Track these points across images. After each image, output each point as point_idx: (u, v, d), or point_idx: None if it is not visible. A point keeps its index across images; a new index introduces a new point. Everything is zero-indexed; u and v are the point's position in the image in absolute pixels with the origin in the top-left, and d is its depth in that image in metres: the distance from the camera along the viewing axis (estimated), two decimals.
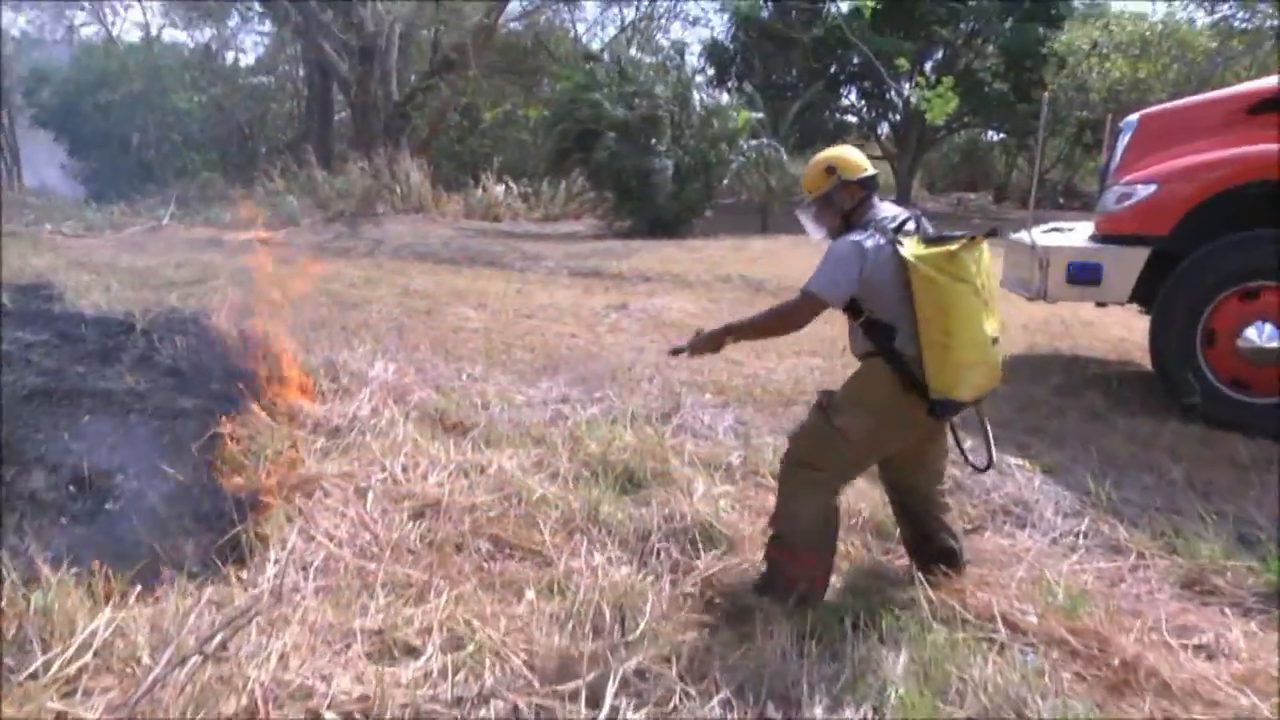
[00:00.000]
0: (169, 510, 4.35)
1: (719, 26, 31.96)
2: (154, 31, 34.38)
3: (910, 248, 3.12)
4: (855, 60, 23.90)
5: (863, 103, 27.07)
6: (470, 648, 3.08)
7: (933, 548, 3.58)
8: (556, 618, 3.34)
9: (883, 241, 3.17)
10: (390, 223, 18.97)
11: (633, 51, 22.50)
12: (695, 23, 36.13)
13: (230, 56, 33.18)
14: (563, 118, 19.58)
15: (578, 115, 18.83)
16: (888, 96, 25.25)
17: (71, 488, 4.71)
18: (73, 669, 2.94)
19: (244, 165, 24.58)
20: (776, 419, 5.72)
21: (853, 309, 3.30)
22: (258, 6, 28.66)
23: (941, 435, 3.58)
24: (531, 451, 5.07)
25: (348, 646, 3.11)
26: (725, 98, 20.21)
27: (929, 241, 3.15)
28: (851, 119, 27.74)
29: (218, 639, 3.05)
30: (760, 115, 19.77)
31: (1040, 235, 6.64)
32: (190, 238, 16.07)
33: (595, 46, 29.37)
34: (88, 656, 3.00)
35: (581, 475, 4.72)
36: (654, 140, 17.88)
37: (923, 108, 16.64)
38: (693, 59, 25.22)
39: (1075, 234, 6.70)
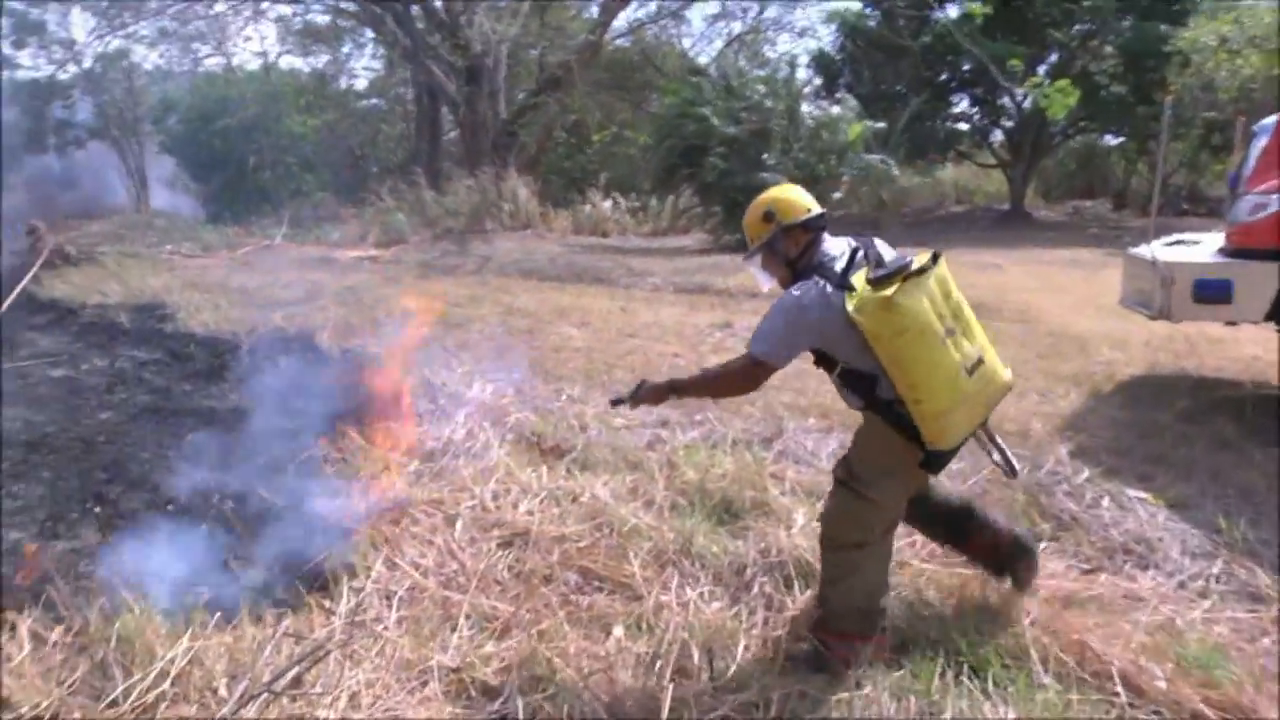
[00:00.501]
0: (259, 533, 4.35)
1: (826, 37, 31.52)
2: (272, 58, 35.65)
3: (858, 292, 2.86)
4: (966, 66, 23.26)
5: (974, 110, 26.32)
6: (550, 689, 2.96)
7: (949, 511, 3.43)
8: (642, 658, 3.19)
9: (829, 289, 2.91)
10: (498, 240, 19.09)
11: (740, 63, 22.25)
12: (803, 34, 35.73)
13: (343, 81, 34.19)
14: (670, 133, 19.49)
15: (685, 131, 18.71)
16: (1000, 103, 24.51)
17: (170, 507, 4.79)
18: (150, 697, 2.95)
19: (355, 186, 25.21)
20: None
21: (826, 361, 3.07)
22: (369, 33, 29.34)
23: None
24: (627, 478, 4.93)
25: (424, 684, 3.02)
26: (835, 110, 19.81)
27: (876, 281, 2.85)
28: (963, 127, 27.01)
29: (292, 674, 2.99)
30: (881, 125, 19.40)
31: (1163, 249, 6.23)
32: (300, 256, 16.42)
33: (702, 61, 29.25)
34: (165, 685, 3.00)
35: (677, 504, 4.55)
36: (764, 154, 17.66)
37: (1041, 104, 15.94)
38: (802, 71, 24.91)
39: (1202, 247, 6.26)
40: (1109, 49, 22.53)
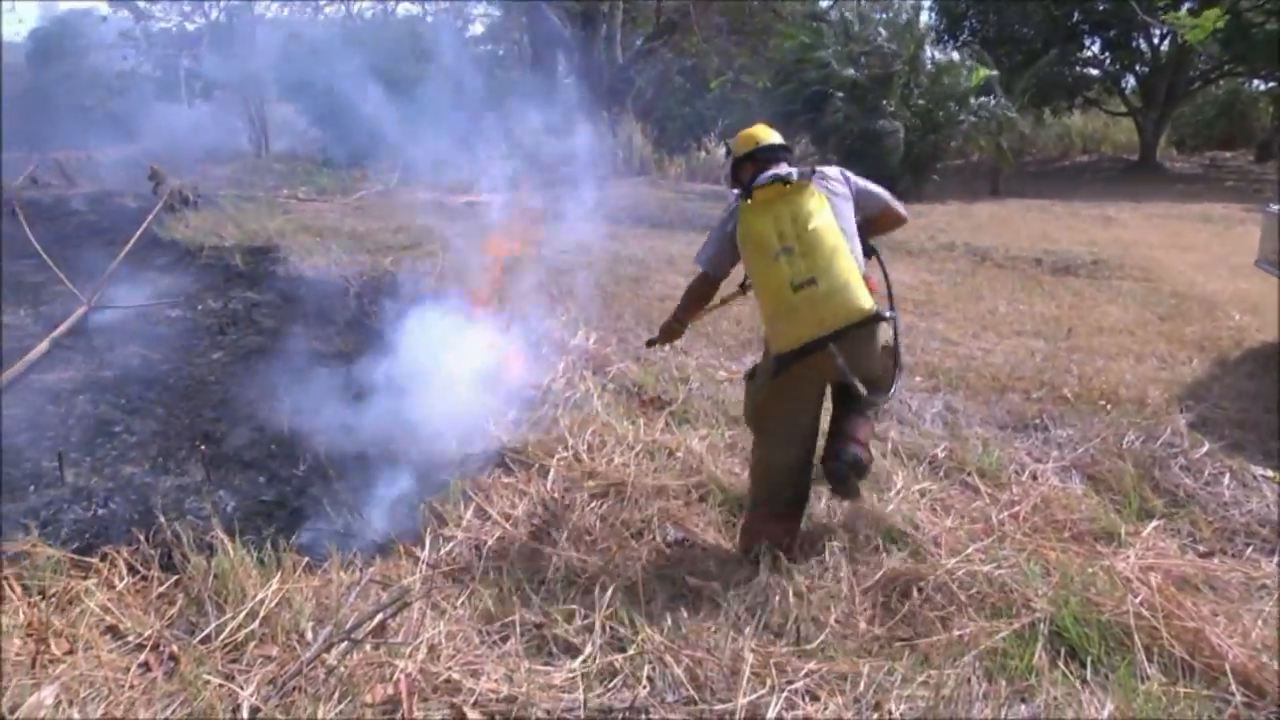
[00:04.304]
0: (353, 478, 4.40)
1: None
2: (390, 5, 36.07)
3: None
4: (1101, 6, 22.08)
5: (1106, 54, 24.95)
6: (631, 650, 2.89)
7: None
8: (729, 617, 3.09)
9: (734, 202, 3.42)
10: (611, 186, 18.97)
11: (861, 5, 21.49)
12: None
13: (460, 25, 34.40)
14: (789, 78, 19.02)
15: (805, 76, 18.24)
16: (1135, 45, 23.18)
17: (273, 446, 4.89)
18: (240, 635, 3.00)
19: (471, 131, 25.41)
20: (989, 408, 5.21)
21: None
22: None
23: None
24: (725, 433, 4.82)
25: (505, 639, 2.98)
26: (955, 55, 19.01)
27: (749, 189, 3.35)
28: (1093, 72, 25.61)
29: (375, 621, 2.99)
30: (995, 73, 18.62)
31: None
32: (412, 201, 16.55)
33: (823, 4, 28.44)
34: (254, 624, 3.04)
35: None
36: (884, 101, 17.10)
37: (1179, 31, 14.68)
38: (925, 14, 23.99)
39: None
40: None
